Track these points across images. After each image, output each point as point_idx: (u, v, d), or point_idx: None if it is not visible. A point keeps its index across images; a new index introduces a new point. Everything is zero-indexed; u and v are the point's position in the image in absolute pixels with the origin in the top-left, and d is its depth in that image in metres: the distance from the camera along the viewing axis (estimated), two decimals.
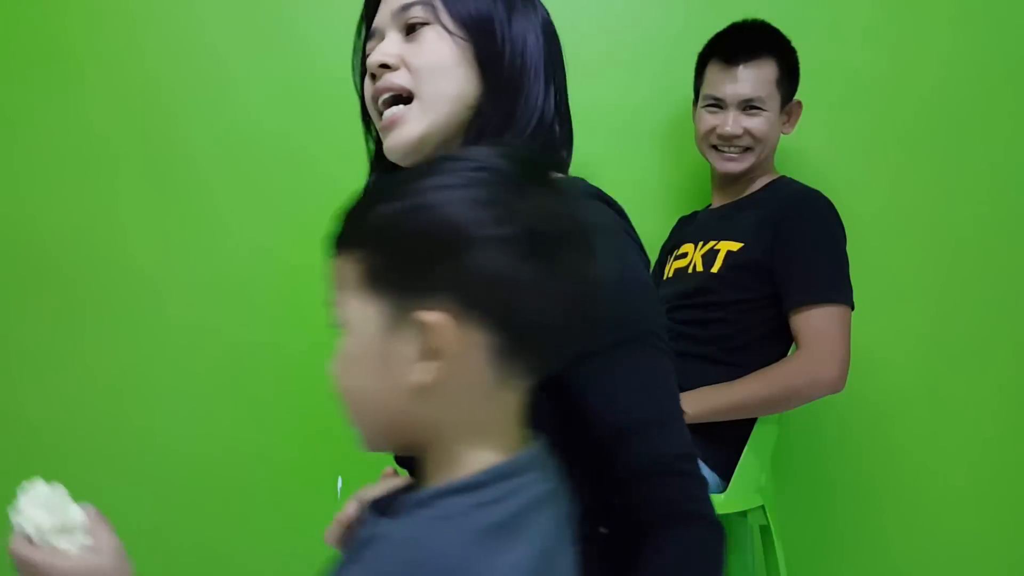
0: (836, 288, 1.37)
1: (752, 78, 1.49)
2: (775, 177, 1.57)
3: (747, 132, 1.50)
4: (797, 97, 1.59)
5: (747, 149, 1.51)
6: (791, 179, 1.56)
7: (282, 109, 1.81)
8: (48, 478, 1.90)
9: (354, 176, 1.82)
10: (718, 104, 1.52)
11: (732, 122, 1.49)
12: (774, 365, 1.37)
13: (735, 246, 1.45)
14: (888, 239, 1.87)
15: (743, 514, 1.48)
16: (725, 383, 1.38)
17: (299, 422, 1.79)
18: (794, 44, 1.82)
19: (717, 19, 1.77)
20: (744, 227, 1.46)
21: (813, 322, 1.35)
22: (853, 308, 1.39)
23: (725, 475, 1.41)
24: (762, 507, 1.46)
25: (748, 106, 1.49)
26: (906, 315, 1.88)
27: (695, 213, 1.69)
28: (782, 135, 1.57)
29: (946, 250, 1.89)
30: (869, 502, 1.88)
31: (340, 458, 1.75)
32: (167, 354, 1.80)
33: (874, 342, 1.86)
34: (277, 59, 1.81)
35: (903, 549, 1.88)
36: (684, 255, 1.55)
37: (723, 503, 1.40)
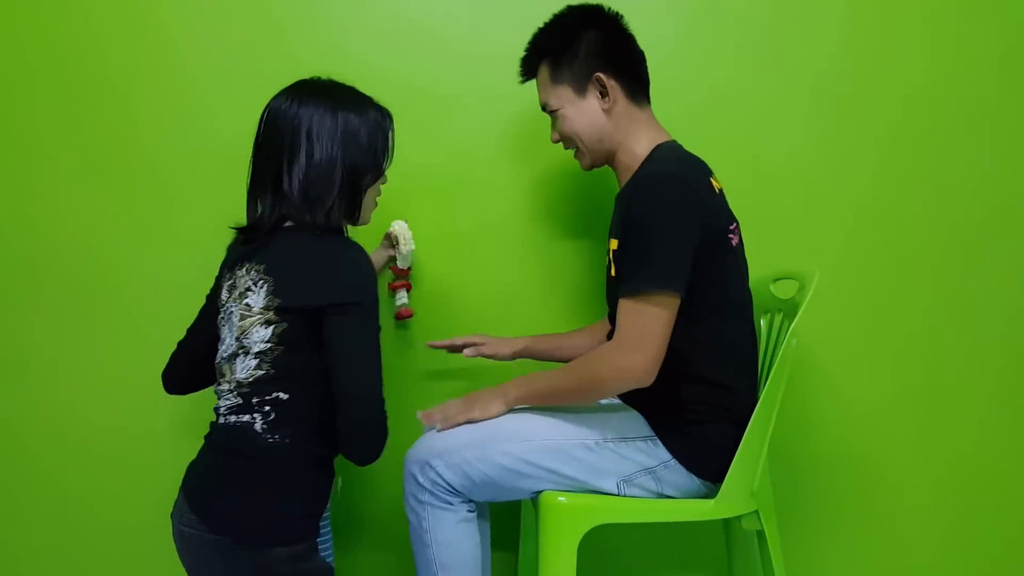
0: (648, 278, 1.28)
1: (539, 89, 1.54)
2: (649, 154, 1.45)
3: (561, 135, 1.53)
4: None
5: (576, 149, 1.53)
6: (658, 155, 1.43)
7: None
8: (50, 476, 1.97)
9: None
10: None
11: (552, 132, 1.56)
12: (589, 353, 1.35)
13: (615, 244, 1.41)
14: (873, 237, 1.85)
15: (738, 519, 1.46)
16: (549, 370, 1.40)
17: None
18: (767, 39, 1.82)
19: (698, 12, 1.76)
20: (617, 221, 1.43)
21: (623, 314, 1.29)
22: (679, 293, 1.29)
23: (713, 478, 1.40)
24: (756, 512, 1.44)
25: (549, 113, 1.52)
26: (904, 316, 1.85)
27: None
28: (611, 110, 1.46)
29: (944, 250, 1.86)
30: (867, 506, 1.85)
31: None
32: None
33: (866, 342, 1.84)
34: (281, 63, 1.83)
35: (902, 552, 1.85)
36: (608, 251, 1.51)
37: (712, 509, 1.38)
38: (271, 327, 1.23)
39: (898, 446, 1.85)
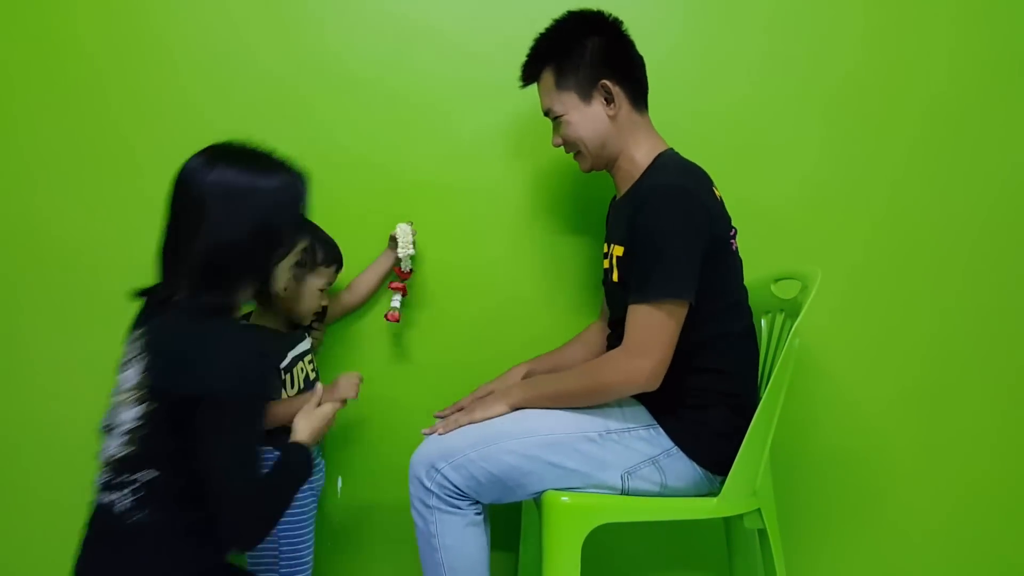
0: (660, 286, 1.31)
1: (541, 94, 1.54)
2: (651, 162, 1.47)
3: (564, 140, 1.53)
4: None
5: (578, 152, 1.53)
6: (661, 164, 1.46)
7: (296, 113, 1.83)
8: (47, 477, 1.94)
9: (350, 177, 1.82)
10: None
11: (553, 137, 1.56)
12: (596, 359, 1.40)
13: (620, 251, 1.44)
14: (887, 241, 1.85)
15: (740, 517, 1.46)
16: (557, 373, 1.45)
17: None
18: (788, 42, 1.82)
19: (715, 17, 1.76)
20: (624, 228, 1.44)
21: (632, 320, 1.34)
22: (689, 301, 1.33)
23: (714, 468, 1.41)
24: (758, 510, 1.44)
25: (553, 119, 1.53)
26: (906, 317, 1.86)
27: (613, 198, 1.65)
28: (615, 116, 1.47)
29: (947, 252, 1.86)
30: (868, 506, 1.86)
31: (340, 458, 1.80)
32: None
33: (874, 345, 1.84)
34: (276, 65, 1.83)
35: (903, 553, 1.86)
36: (607, 255, 1.54)
37: (715, 507, 1.39)
38: (142, 405, 1.15)
39: (900, 447, 1.86)
